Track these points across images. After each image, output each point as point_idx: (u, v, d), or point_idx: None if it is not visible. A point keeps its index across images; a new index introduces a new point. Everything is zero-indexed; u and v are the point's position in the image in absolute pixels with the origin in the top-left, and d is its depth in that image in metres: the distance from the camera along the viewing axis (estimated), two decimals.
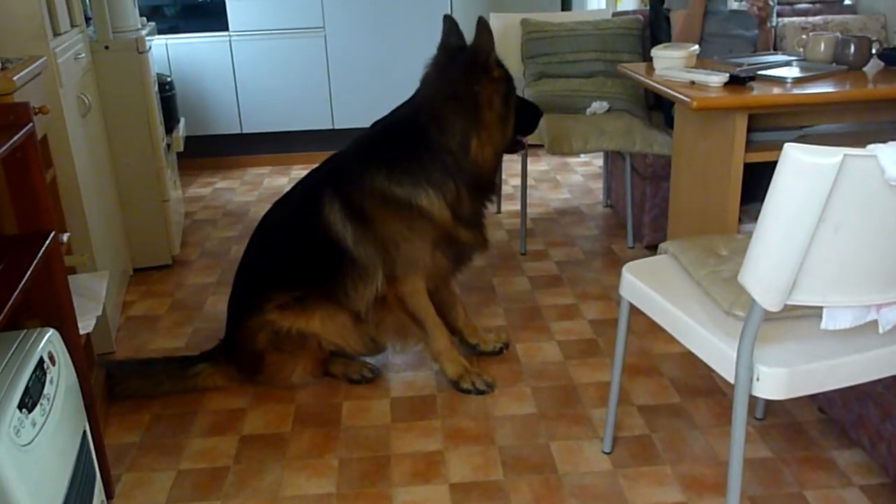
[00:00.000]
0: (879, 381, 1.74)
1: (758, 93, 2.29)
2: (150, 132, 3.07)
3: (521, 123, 2.32)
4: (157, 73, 3.33)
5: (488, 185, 2.30)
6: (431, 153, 2.17)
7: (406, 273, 2.23)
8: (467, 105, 2.14)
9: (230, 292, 2.45)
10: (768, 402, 2.13)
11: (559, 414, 2.19)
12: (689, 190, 2.65)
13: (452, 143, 2.16)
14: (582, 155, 4.57)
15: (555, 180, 4.26)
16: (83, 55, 2.73)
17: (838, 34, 2.62)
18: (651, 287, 1.72)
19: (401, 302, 2.26)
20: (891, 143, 1.17)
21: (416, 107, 2.24)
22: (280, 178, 4.50)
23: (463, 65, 2.16)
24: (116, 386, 2.31)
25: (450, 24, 2.24)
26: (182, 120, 3.74)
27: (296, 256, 2.30)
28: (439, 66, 2.24)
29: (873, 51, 2.55)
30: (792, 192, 1.21)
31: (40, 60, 2.03)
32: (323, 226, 2.22)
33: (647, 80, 2.56)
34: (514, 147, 2.36)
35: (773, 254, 1.26)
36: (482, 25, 2.13)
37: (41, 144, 1.87)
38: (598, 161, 4.37)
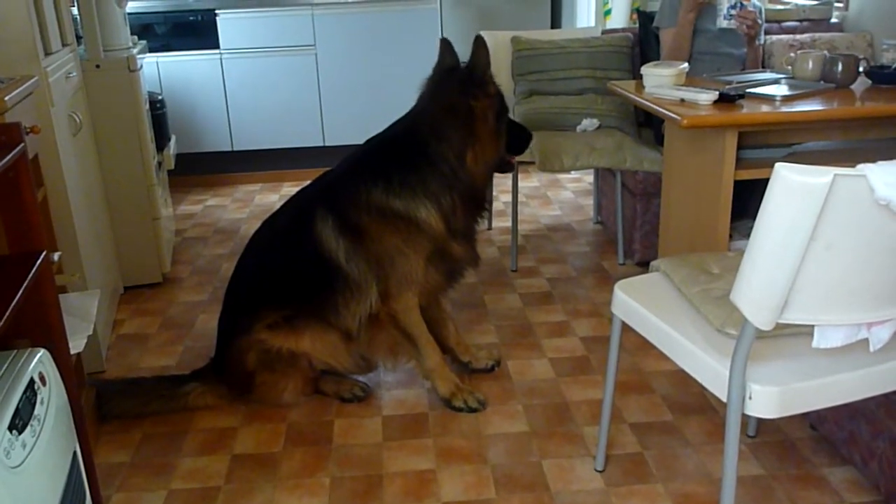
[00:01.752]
0: (871, 398, 1.74)
1: (747, 111, 2.31)
2: (140, 150, 3.07)
3: (512, 143, 2.35)
4: (149, 91, 3.33)
5: (481, 200, 2.31)
6: (430, 164, 2.19)
7: (399, 289, 2.23)
8: (464, 117, 2.18)
9: (220, 311, 2.45)
10: (760, 420, 2.14)
11: (551, 432, 2.19)
12: (680, 207, 2.66)
13: (450, 154, 2.18)
14: (572, 172, 4.58)
15: (545, 197, 4.28)
16: (74, 74, 2.72)
17: (826, 52, 2.65)
18: (643, 305, 1.73)
19: (393, 318, 2.26)
20: (880, 162, 1.19)
21: (414, 119, 2.27)
22: (271, 196, 4.50)
23: (460, 79, 2.20)
24: (106, 405, 2.29)
25: (445, 45, 2.28)
26: (173, 138, 3.74)
27: (286, 275, 2.29)
28: (436, 82, 2.28)
29: (860, 69, 2.59)
30: (783, 211, 1.22)
31: (32, 80, 2.03)
32: (314, 243, 2.22)
33: (638, 98, 2.58)
34: (504, 167, 2.39)
35: (765, 273, 1.27)
36: (479, 42, 2.18)
37: (32, 164, 1.86)
38: (588, 178, 4.39)
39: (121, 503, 1.97)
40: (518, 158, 3.33)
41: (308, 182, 2.41)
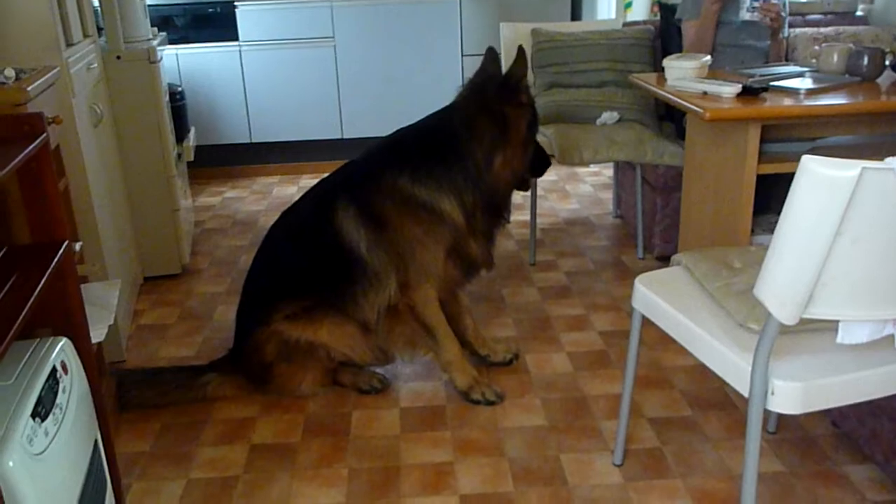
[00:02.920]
0: (894, 396, 1.72)
1: (771, 104, 2.28)
2: (160, 141, 3.08)
3: (533, 163, 2.35)
4: (168, 83, 3.34)
5: (500, 208, 2.32)
6: (458, 158, 2.19)
7: (419, 280, 2.23)
8: (498, 121, 2.19)
9: (239, 302, 2.46)
10: (781, 416, 2.12)
11: (569, 426, 2.18)
12: (701, 201, 2.64)
13: (479, 153, 2.19)
14: (592, 165, 4.56)
15: (564, 190, 4.26)
16: (95, 65, 2.74)
17: (852, 45, 2.61)
18: (664, 299, 1.71)
19: (412, 310, 2.26)
20: None
21: (449, 114, 2.27)
22: (289, 188, 4.51)
23: (497, 85, 2.20)
24: (126, 395, 2.31)
25: (490, 54, 2.30)
26: (192, 129, 3.76)
27: (305, 265, 2.30)
28: (474, 85, 2.28)
29: (887, 62, 2.55)
30: (809, 204, 1.20)
31: (53, 71, 2.04)
32: (334, 233, 2.22)
33: (659, 91, 2.56)
34: (523, 184, 2.39)
35: (790, 267, 1.25)
36: (519, 52, 2.19)
37: (54, 154, 1.87)
38: (607, 171, 4.37)
39: (140, 491, 1.98)
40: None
41: (326, 174, 2.41)
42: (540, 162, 2.38)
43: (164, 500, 1.94)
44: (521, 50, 2.19)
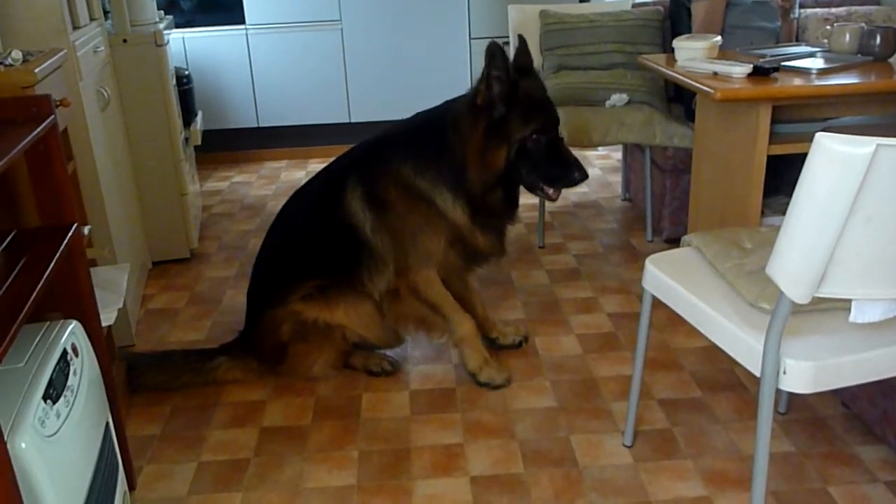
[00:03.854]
0: None
1: (782, 84, 2.26)
2: (168, 126, 3.08)
3: (548, 172, 2.15)
4: (175, 67, 3.33)
5: (493, 207, 2.21)
6: (448, 154, 2.15)
7: (419, 264, 2.22)
8: (464, 123, 2.11)
9: (249, 283, 2.46)
10: (791, 397, 2.11)
11: (579, 407, 2.18)
12: (711, 182, 2.62)
13: (458, 152, 2.13)
14: (600, 148, 4.54)
15: None
16: (102, 49, 2.73)
17: (863, 25, 2.58)
18: (675, 279, 1.70)
19: (416, 293, 2.25)
20: None
21: (450, 104, 2.21)
22: (297, 172, 4.50)
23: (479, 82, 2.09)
24: (137, 378, 2.32)
25: (521, 43, 2.20)
26: (199, 113, 3.75)
27: (319, 244, 2.30)
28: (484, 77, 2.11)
29: None
30: (823, 182, 1.19)
31: (61, 53, 2.03)
32: (344, 212, 2.22)
33: (669, 72, 2.54)
34: (535, 190, 2.22)
35: (803, 245, 1.24)
36: (489, 50, 2.05)
37: (62, 137, 1.87)
38: (616, 154, 4.35)
39: (152, 474, 1.99)
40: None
41: (333, 158, 2.40)
42: (557, 172, 2.15)
43: (176, 483, 1.95)
44: (492, 46, 2.03)
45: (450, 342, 2.35)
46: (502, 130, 2.06)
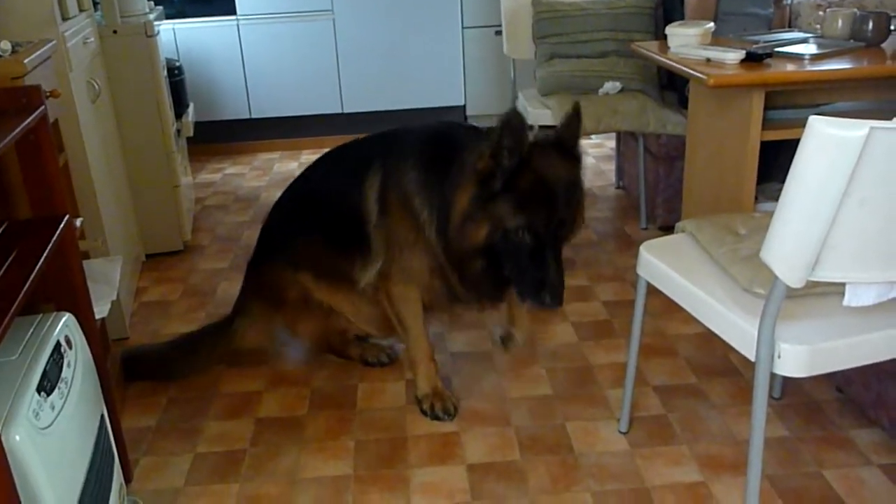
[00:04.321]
0: None
1: (774, 70, 2.25)
2: (159, 117, 3.06)
3: (521, 278, 1.82)
4: (166, 58, 3.31)
5: (470, 278, 1.94)
6: (445, 191, 1.90)
7: (400, 277, 2.08)
8: (469, 181, 1.82)
9: (266, 221, 2.41)
10: (785, 382, 2.12)
11: (574, 395, 2.18)
12: (704, 169, 2.62)
13: (447, 196, 1.88)
14: (594, 137, 4.54)
15: None
16: (91, 40, 2.71)
17: (856, 10, 2.58)
18: (669, 265, 1.70)
19: (388, 299, 2.14)
20: None
21: (473, 135, 1.97)
22: (290, 163, 4.49)
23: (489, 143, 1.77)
24: (172, 365, 2.35)
25: (570, 117, 1.82)
26: (191, 105, 3.73)
27: (332, 219, 2.21)
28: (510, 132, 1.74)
29: (892, 27, 2.51)
30: (816, 165, 1.19)
31: (50, 44, 2.02)
32: (360, 195, 2.10)
33: (662, 58, 2.53)
34: (495, 295, 2.03)
35: (796, 229, 1.24)
36: (502, 125, 1.74)
37: (53, 129, 1.86)
38: (609, 143, 4.34)
39: (148, 466, 1.99)
40: (539, 122, 3.33)
41: (326, 149, 2.36)
42: (525, 278, 1.80)
43: (172, 475, 1.95)
44: (509, 114, 1.72)
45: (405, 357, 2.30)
46: (492, 207, 1.76)
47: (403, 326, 2.16)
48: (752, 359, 1.42)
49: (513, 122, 1.71)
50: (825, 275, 1.29)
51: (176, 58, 4.07)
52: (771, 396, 2.10)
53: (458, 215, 1.82)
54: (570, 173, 1.80)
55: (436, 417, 2.12)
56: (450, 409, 2.13)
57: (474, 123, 2.20)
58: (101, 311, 1.92)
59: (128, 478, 1.89)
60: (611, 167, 4.02)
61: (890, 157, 1.18)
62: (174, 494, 1.88)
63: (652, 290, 1.79)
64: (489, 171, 1.75)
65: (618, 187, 3.80)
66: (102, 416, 1.67)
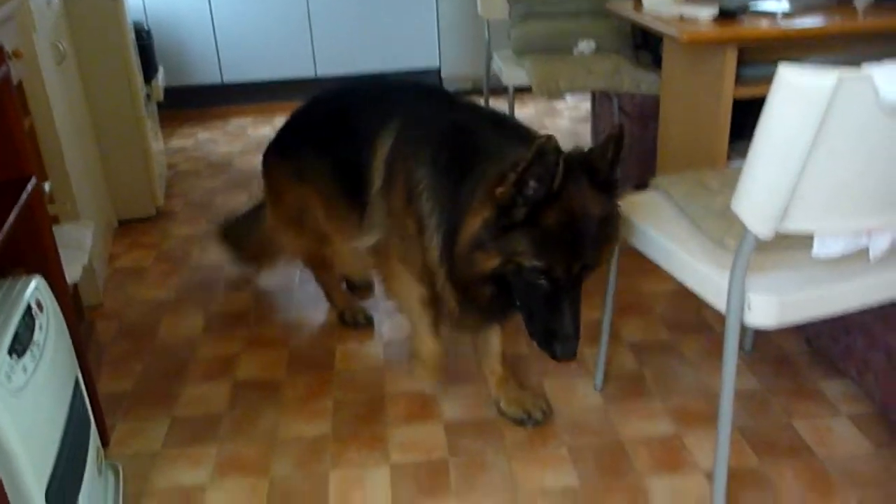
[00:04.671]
0: (868, 311, 1.75)
1: (748, 26, 2.26)
2: (128, 81, 3.00)
3: (532, 321, 1.60)
4: (134, 21, 3.24)
5: (477, 303, 1.70)
6: (457, 204, 1.64)
7: (396, 254, 1.89)
8: (485, 202, 1.54)
9: (291, 116, 2.33)
10: (756, 336, 2.15)
11: None
12: (678, 127, 2.63)
13: (459, 211, 1.62)
14: (569, 99, 4.53)
15: (542, 125, 4.22)
16: (55, 0, 2.64)
17: None
18: (642, 221, 1.71)
19: (386, 278, 1.99)
20: (886, 63, 1.16)
21: (505, 139, 1.69)
22: (263, 128, 4.44)
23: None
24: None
25: (605, 144, 1.53)
26: (161, 69, 3.66)
27: (344, 155, 2.03)
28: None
29: None
30: (786, 114, 1.19)
31: (13, 2, 1.96)
32: (371, 150, 1.90)
33: (636, 16, 2.52)
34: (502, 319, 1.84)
35: (766, 179, 1.25)
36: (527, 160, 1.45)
37: (17, 91, 1.82)
38: (585, 105, 4.34)
39: (125, 431, 1.98)
40: (514, 82, 3.32)
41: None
42: (538, 322, 1.58)
43: (150, 439, 1.95)
44: (546, 145, 1.43)
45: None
46: (507, 240, 1.51)
47: (404, 311, 1.99)
48: (724, 311, 1.44)
49: (547, 154, 1.42)
50: (794, 226, 1.30)
51: (144, 21, 3.98)
52: (742, 350, 2.13)
53: (467, 240, 1.56)
54: (604, 209, 1.53)
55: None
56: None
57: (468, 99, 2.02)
58: (72, 275, 1.90)
59: (105, 442, 1.89)
60: (586, 129, 4.02)
61: (859, 107, 1.19)
62: (152, 458, 1.88)
63: (626, 250, 1.80)
64: (510, 198, 1.47)
65: None
66: (77, 379, 1.66)
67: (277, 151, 2.31)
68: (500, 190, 1.48)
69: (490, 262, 1.54)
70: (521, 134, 1.72)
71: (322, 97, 2.28)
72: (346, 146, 2.04)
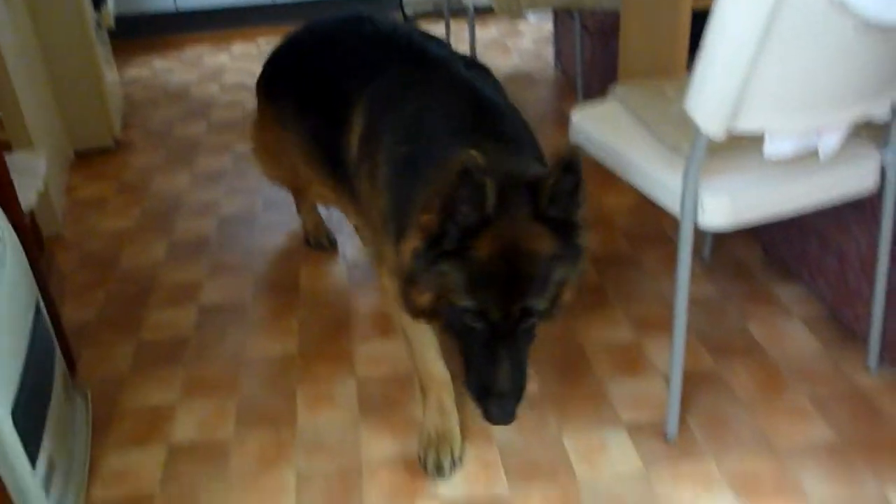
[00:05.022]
0: (822, 215, 1.79)
1: None
2: (76, 7, 2.90)
3: (469, 373, 1.36)
4: None
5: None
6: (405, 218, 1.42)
7: (385, 268, 1.63)
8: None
9: (277, 49, 2.16)
10: (715, 245, 2.19)
11: None
12: (639, 40, 2.61)
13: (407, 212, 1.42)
14: (531, 19, 4.46)
15: (504, 46, 4.17)
16: None
17: None
18: (600, 130, 1.72)
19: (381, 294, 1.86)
20: None
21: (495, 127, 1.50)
22: (220, 56, 4.32)
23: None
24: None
25: (561, 169, 1.31)
26: None
27: (324, 102, 1.87)
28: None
29: None
30: (737, 11, 1.19)
31: None
32: (349, 112, 1.73)
33: None
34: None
35: (717, 78, 1.26)
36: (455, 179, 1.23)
37: None
38: (548, 26, 4.28)
39: (92, 357, 1.99)
40: (475, 2, 3.26)
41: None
42: (472, 374, 1.35)
43: (116, 363, 1.96)
44: (467, 166, 1.21)
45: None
46: (438, 273, 1.30)
47: (405, 340, 1.68)
48: (678, 214, 1.47)
49: (472, 170, 1.21)
50: (746, 124, 1.32)
51: None
52: (701, 259, 2.18)
53: (403, 270, 1.37)
54: (554, 247, 1.30)
55: (438, 469, 1.59)
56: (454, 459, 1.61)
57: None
58: (27, 202, 1.88)
59: (72, 368, 1.89)
60: (549, 50, 3.98)
61: (809, 4, 1.19)
62: (120, 382, 1.89)
63: (587, 166, 1.80)
64: (437, 228, 1.27)
65: (556, 68, 3.77)
66: (38, 306, 1.65)
67: (264, 88, 2.19)
68: (426, 217, 1.28)
69: (422, 299, 1.34)
70: (497, 121, 1.52)
71: (312, 31, 2.07)
72: (325, 108, 1.85)
